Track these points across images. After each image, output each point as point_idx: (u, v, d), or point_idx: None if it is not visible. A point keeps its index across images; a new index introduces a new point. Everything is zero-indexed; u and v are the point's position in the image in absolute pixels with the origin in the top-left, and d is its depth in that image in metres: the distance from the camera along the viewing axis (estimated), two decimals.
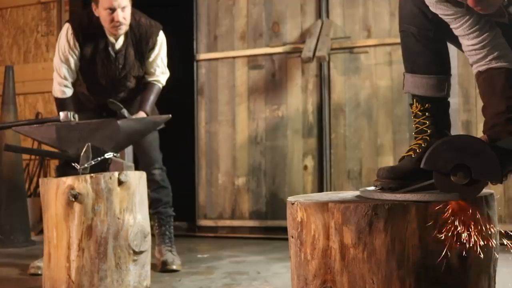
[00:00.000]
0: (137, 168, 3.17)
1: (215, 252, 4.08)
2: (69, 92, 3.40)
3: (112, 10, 3.20)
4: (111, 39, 3.34)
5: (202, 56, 4.96)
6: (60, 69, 3.39)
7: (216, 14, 4.95)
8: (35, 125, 2.92)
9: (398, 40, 4.87)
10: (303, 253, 1.62)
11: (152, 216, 3.49)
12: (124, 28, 3.29)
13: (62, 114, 2.90)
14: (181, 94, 4.99)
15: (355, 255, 1.52)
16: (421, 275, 1.49)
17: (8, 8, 5.57)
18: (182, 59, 4.65)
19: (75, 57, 3.37)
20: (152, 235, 3.51)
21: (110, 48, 3.34)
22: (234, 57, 4.87)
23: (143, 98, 3.41)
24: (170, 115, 3.14)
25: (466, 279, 1.52)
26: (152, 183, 3.48)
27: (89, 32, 3.33)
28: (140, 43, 3.38)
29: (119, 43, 3.36)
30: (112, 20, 3.22)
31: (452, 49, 4.87)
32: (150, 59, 3.44)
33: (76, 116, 2.94)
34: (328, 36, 4.47)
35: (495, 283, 1.65)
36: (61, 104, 3.39)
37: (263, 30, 4.80)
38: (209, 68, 4.95)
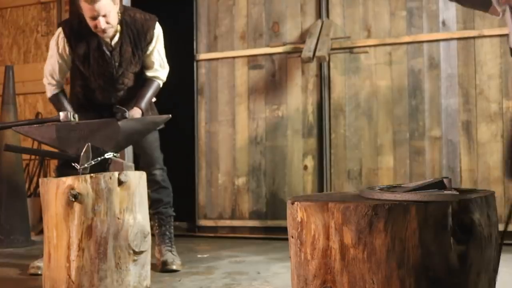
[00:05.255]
0: (137, 168, 3.17)
1: (215, 252, 4.08)
2: (57, 89, 3.45)
3: (94, 18, 3.21)
4: (105, 38, 3.35)
5: (202, 56, 4.96)
6: (46, 71, 3.46)
7: (216, 14, 4.95)
8: (35, 125, 2.92)
9: (398, 40, 4.89)
10: (303, 253, 1.62)
11: (152, 216, 3.50)
12: (110, 32, 3.30)
13: (62, 114, 2.90)
14: (181, 94, 4.99)
15: (355, 255, 1.52)
16: (421, 275, 1.49)
17: (8, 8, 5.57)
18: (182, 59, 4.65)
19: (61, 60, 3.40)
20: (152, 235, 3.53)
21: (104, 47, 3.35)
22: (234, 57, 4.87)
23: (139, 95, 3.41)
24: (170, 115, 3.14)
25: (466, 279, 1.52)
26: (152, 184, 3.48)
27: (81, 33, 3.35)
28: (138, 39, 3.39)
29: (114, 41, 3.36)
30: (96, 27, 3.24)
31: (452, 48, 4.85)
32: (148, 52, 3.45)
33: (76, 116, 2.95)
34: (328, 36, 4.47)
35: (495, 283, 1.65)
36: (54, 100, 3.45)
37: (263, 30, 4.80)
38: (209, 68, 4.95)
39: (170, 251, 3.53)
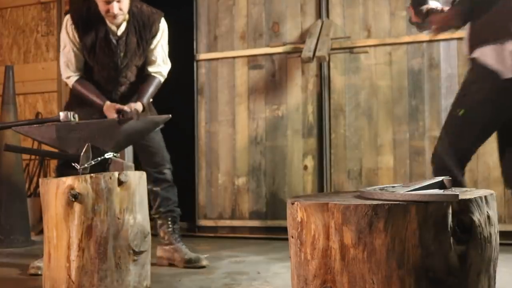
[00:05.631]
0: (137, 168, 3.18)
1: (215, 252, 4.08)
2: (76, 77, 3.42)
3: (108, 2, 3.24)
4: (112, 26, 3.36)
5: (202, 56, 4.96)
6: (62, 64, 3.45)
7: (216, 14, 4.95)
8: (35, 125, 2.92)
9: (398, 40, 4.88)
10: (303, 253, 1.62)
11: (162, 214, 3.56)
12: (120, 18, 3.33)
13: (62, 114, 2.89)
14: (181, 94, 4.99)
15: (355, 255, 1.52)
16: (421, 275, 1.49)
17: (8, 8, 5.57)
18: (182, 59, 4.65)
19: (75, 48, 3.40)
20: (155, 234, 3.56)
21: (110, 36, 3.36)
22: (234, 57, 4.87)
23: (141, 90, 3.43)
24: (170, 115, 3.14)
25: (466, 279, 1.52)
26: (162, 182, 3.55)
27: (89, 21, 3.37)
28: (143, 30, 3.41)
29: (120, 30, 3.38)
30: (108, 11, 3.26)
31: (452, 48, 4.85)
32: (152, 46, 3.47)
33: (76, 116, 2.94)
34: (328, 36, 4.47)
35: (495, 283, 1.65)
36: (78, 88, 3.41)
37: (263, 30, 4.80)
38: (209, 68, 4.95)
39: (187, 248, 3.61)
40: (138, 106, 3.29)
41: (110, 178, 2.54)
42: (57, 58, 5.30)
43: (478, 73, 2.65)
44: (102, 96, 3.36)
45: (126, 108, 3.20)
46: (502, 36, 2.55)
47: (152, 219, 3.61)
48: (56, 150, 2.96)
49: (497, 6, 2.59)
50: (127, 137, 2.99)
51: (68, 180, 2.51)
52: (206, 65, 4.96)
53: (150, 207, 3.59)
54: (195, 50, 4.98)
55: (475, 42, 2.66)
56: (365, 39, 4.52)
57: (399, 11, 4.45)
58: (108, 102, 3.30)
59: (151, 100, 3.59)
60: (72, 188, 2.49)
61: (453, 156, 2.70)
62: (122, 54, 3.39)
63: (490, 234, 1.58)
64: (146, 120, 3.23)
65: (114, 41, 3.36)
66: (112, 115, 3.23)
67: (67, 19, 3.40)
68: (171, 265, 3.53)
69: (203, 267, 3.46)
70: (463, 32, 4.28)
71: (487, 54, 2.58)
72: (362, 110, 4.52)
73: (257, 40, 4.82)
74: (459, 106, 2.66)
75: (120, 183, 2.55)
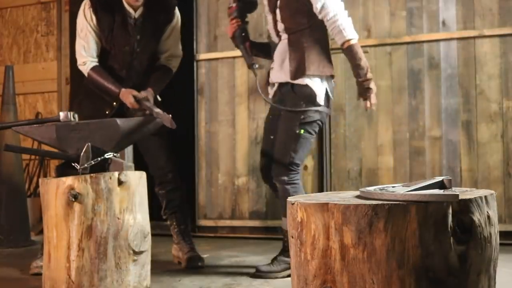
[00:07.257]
0: (137, 168, 3.17)
1: (215, 252, 4.08)
2: (91, 63, 3.40)
3: None
4: (130, 9, 3.38)
5: (202, 56, 4.96)
6: (78, 48, 3.43)
7: (216, 14, 4.95)
8: (35, 125, 2.91)
9: (398, 40, 4.87)
10: (303, 253, 1.62)
11: (168, 216, 3.58)
12: (141, 1, 3.35)
13: (62, 114, 2.89)
14: (181, 94, 4.99)
15: (355, 255, 1.52)
16: (421, 275, 1.49)
17: (8, 8, 5.58)
18: (182, 59, 4.65)
19: (92, 32, 3.40)
20: (168, 235, 3.66)
21: (128, 18, 3.38)
22: (234, 57, 4.86)
23: (153, 78, 3.45)
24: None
25: (466, 279, 1.52)
26: (167, 185, 3.57)
27: (107, 4, 3.38)
28: (159, 15, 3.44)
29: (137, 13, 3.41)
30: None
31: (452, 48, 4.85)
32: (166, 33, 3.50)
33: (76, 116, 2.94)
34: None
35: (495, 283, 1.65)
36: (93, 76, 3.38)
37: (263, 30, 4.80)
38: (209, 68, 4.95)
39: (193, 248, 3.61)
40: (149, 92, 3.30)
41: (110, 178, 2.54)
42: (57, 58, 5.30)
43: (301, 97, 3.29)
44: (117, 83, 3.35)
45: (141, 95, 3.22)
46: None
47: (165, 219, 3.67)
48: (56, 150, 2.96)
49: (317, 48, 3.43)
50: (127, 137, 2.98)
51: (68, 180, 2.51)
52: (206, 65, 4.96)
53: (161, 208, 3.66)
54: (195, 50, 4.98)
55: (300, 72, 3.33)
56: (365, 39, 4.52)
57: (399, 11, 4.45)
58: (123, 89, 3.30)
59: (159, 99, 3.61)
60: (72, 188, 2.49)
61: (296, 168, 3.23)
62: (138, 37, 3.41)
63: (490, 234, 1.58)
64: (146, 120, 3.22)
65: (131, 23, 3.37)
66: (129, 99, 3.23)
67: (85, 3, 3.41)
68: (179, 263, 3.57)
69: (201, 267, 3.47)
70: (463, 32, 4.31)
71: (308, 83, 3.30)
72: (362, 110, 4.51)
73: (257, 40, 4.81)
74: (298, 127, 3.23)
75: (120, 183, 2.55)
